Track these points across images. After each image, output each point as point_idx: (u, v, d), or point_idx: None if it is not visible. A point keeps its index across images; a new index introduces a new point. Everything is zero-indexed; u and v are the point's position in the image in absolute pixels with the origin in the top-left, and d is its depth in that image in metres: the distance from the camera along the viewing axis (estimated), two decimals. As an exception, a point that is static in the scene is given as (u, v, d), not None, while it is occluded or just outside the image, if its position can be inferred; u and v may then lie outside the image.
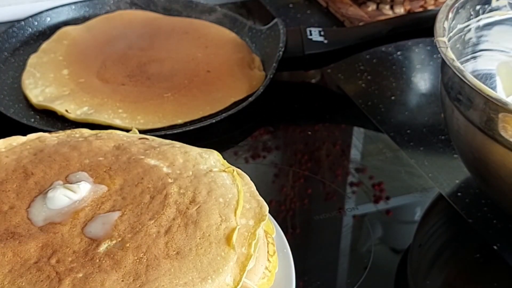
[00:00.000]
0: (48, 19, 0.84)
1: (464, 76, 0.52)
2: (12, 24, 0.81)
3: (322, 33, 0.76)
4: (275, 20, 0.79)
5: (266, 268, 0.46)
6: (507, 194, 0.56)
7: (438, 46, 0.55)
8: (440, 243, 0.60)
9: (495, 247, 0.57)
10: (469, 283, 0.55)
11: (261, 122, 0.73)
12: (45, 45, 0.79)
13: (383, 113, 0.74)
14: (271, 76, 0.73)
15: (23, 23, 0.82)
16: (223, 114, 0.69)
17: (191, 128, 0.67)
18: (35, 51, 0.78)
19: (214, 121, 0.68)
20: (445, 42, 0.56)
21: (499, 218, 0.60)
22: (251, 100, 0.70)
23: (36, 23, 0.82)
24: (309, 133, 0.71)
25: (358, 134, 0.72)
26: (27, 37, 0.81)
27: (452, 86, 0.56)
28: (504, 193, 0.56)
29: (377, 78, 0.79)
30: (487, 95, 0.50)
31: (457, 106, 0.55)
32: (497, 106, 0.50)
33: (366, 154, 0.70)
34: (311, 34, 0.76)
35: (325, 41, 0.75)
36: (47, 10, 0.84)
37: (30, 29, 0.82)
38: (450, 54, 0.54)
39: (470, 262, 0.56)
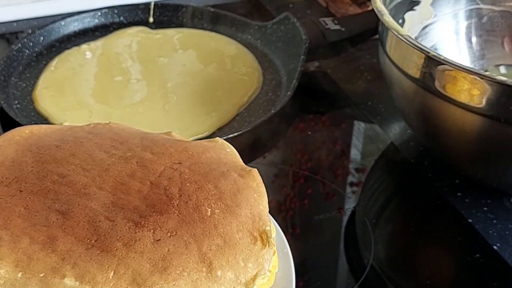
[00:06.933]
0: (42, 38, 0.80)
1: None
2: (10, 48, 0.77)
3: (335, 21, 0.78)
4: (285, 14, 0.80)
5: (266, 268, 0.46)
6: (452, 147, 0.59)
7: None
8: (441, 244, 0.60)
9: (495, 247, 0.57)
10: (469, 282, 0.55)
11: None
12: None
13: (383, 113, 0.74)
14: (301, 68, 0.73)
15: (19, 45, 0.78)
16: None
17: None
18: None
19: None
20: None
21: (499, 218, 0.60)
22: (290, 94, 0.70)
23: (31, 43, 0.79)
24: (309, 133, 0.71)
25: (358, 134, 0.72)
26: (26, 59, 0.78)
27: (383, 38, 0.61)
28: (449, 147, 0.60)
29: (377, 77, 0.79)
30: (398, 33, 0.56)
31: (392, 60, 0.59)
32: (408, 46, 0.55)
33: (366, 154, 0.70)
34: (327, 24, 0.78)
35: (342, 29, 0.77)
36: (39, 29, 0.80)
37: (27, 51, 0.78)
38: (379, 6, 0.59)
39: (470, 262, 0.56)
